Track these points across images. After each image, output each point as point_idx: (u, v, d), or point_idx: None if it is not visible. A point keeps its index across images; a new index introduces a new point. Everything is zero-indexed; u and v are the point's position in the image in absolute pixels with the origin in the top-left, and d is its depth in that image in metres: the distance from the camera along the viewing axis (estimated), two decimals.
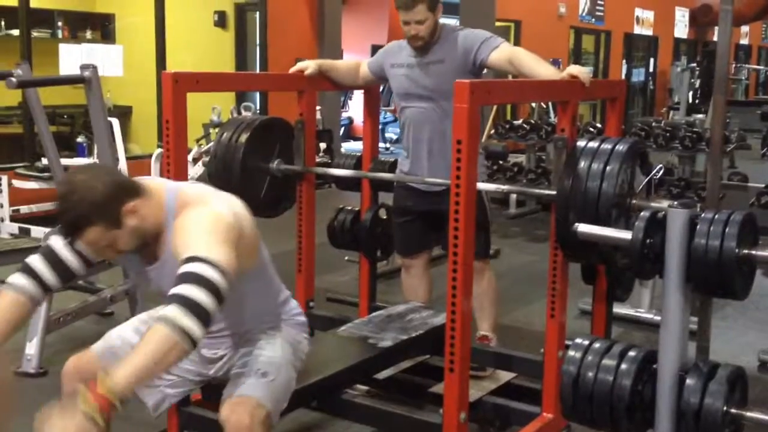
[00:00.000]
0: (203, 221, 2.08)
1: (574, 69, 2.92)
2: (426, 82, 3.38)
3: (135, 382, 1.94)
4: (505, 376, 3.28)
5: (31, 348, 3.68)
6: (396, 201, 3.65)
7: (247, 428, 2.19)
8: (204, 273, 1.94)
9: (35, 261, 2.34)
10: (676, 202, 2.01)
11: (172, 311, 1.90)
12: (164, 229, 2.18)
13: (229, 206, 2.16)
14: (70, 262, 2.34)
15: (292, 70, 3.42)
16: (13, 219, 6.62)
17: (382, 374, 3.20)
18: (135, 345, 2.22)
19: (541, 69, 3.15)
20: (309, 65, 3.40)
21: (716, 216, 2.00)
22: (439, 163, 3.34)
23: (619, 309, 4.33)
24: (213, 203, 2.15)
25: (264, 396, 2.27)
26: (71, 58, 6.96)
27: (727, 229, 1.96)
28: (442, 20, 3.43)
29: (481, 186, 3.02)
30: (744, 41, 20.96)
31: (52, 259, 2.34)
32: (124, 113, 8.66)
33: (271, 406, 2.28)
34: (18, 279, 2.30)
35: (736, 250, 1.95)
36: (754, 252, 2.00)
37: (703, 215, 2.01)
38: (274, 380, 2.32)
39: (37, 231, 6.01)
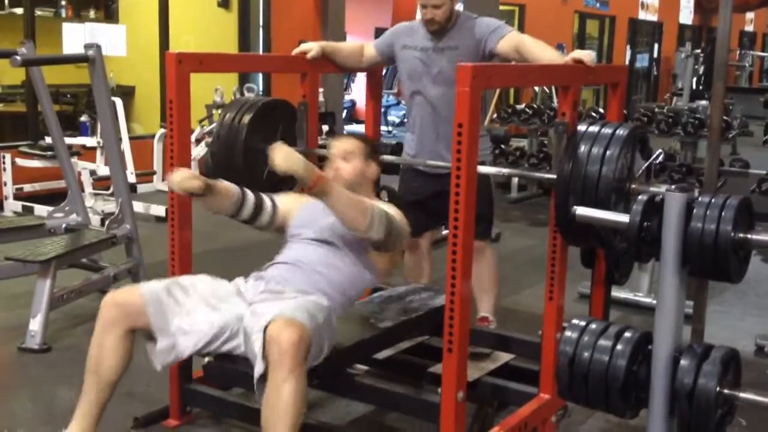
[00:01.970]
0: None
1: (578, 53, 2.94)
2: (439, 67, 3.40)
3: (338, 193, 2.49)
4: (504, 357, 3.31)
5: (35, 324, 3.72)
6: (402, 182, 3.70)
7: (295, 347, 2.26)
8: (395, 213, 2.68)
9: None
10: (673, 186, 2.03)
11: (382, 211, 2.59)
12: None
13: None
14: (270, 210, 2.85)
15: (295, 51, 3.43)
16: (16, 197, 6.67)
17: (382, 354, 3.23)
18: (180, 301, 2.57)
19: (545, 54, 3.17)
20: (312, 47, 3.41)
21: (713, 200, 2.03)
22: (447, 146, 3.36)
23: (617, 293, 4.36)
24: None
25: (312, 329, 2.37)
26: (75, 37, 6.96)
27: (723, 213, 1.98)
28: None
29: (482, 169, 3.04)
30: (749, 28, 20.87)
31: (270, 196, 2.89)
32: (127, 93, 8.66)
33: (315, 343, 2.38)
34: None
35: (732, 234, 1.98)
36: (749, 236, 2.02)
37: (699, 199, 2.04)
38: (319, 325, 2.45)
39: (41, 209, 6.06)
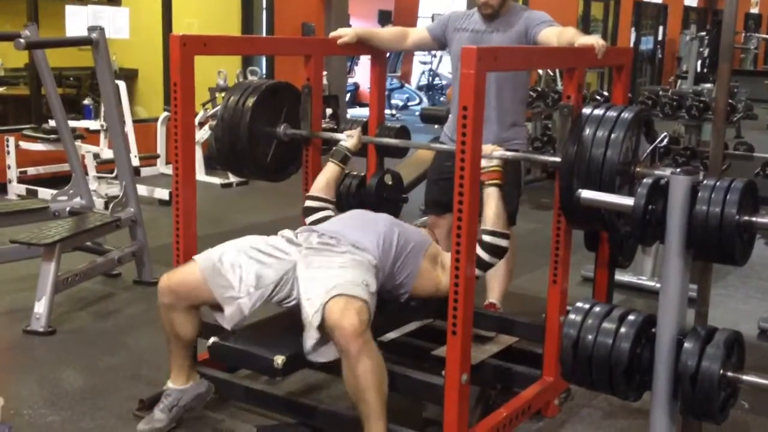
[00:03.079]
0: None
1: (586, 39, 2.95)
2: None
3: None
4: (508, 340, 3.32)
5: (40, 307, 3.73)
6: (435, 159, 3.76)
7: (359, 330, 2.41)
8: None
9: None
10: (678, 170, 2.03)
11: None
12: None
13: None
14: None
15: (332, 35, 3.48)
16: (20, 180, 6.67)
17: (386, 337, 3.25)
18: (236, 266, 2.64)
19: (576, 38, 3.19)
20: (347, 33, 3.46)
21: (718, 183, 2.02)
22: (485, 127, 3.37)
23: (621, 276, 4.36)
24: None
25: (370, 302, 2.51)
26: (78, 19, 6.93)
27: (728, 196, 1.98)
28: None
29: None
30: (754, 10, 20.75)
31: None
32: (129, 76, 8.63)
33: (371, 314, 2.50)
34: None
35: (737, 217, 1.98)
36: (754, 219, 2.02)
37: (704, 182, 2.04)
38: (373, 294, 2.57)
39: (44, 192, 6.07)
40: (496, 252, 2.79)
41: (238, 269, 2.64)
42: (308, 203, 3.17)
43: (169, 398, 2.82)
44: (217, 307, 2.66)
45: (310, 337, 2.49)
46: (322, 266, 2.63)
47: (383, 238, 2.81)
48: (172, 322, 2.72)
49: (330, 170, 3.23)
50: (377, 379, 2.45)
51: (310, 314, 2.48)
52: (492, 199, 2.80)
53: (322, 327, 2.46)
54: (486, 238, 2.75)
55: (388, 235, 2.84)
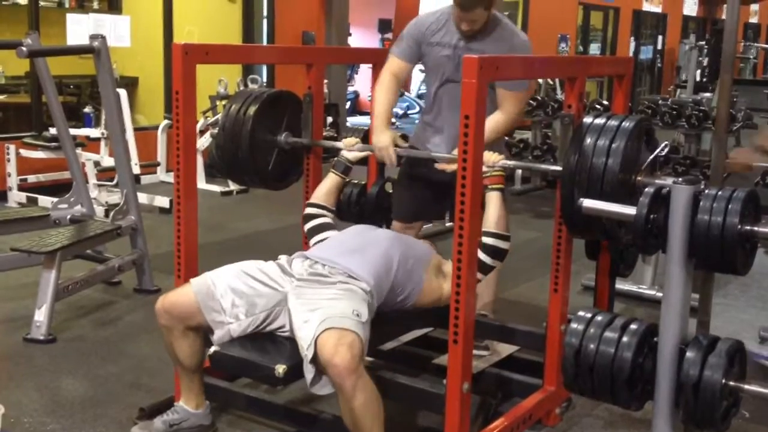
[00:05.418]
0: None
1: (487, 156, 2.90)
2: None
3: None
4: (508, 349, 3.32)
5: (40, 315, 3.73)
6: (408, 166, 3.60)
7: (352, 365, 2.37)
8: None
9: None
10: (680, 179, 2.04)
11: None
12: None
13: None
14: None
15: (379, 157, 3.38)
16: (20, 188, 6.67)
17: (387, 346, 3.25)
18: (229, 291, 2.63)
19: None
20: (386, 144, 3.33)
21: (719, 192, 2.03)
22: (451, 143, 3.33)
23: (621, 285, 4.36)
24: None
25: (361, 334, 2.46)
26: (78, 28, 6.94)
27: (729, 206, 1.99)
28: None
29: None
30: (753, 20, 20.81)
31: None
32: (130, 84, 8.65)
33: (365, 346, 2.47)
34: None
35: (739, 226, 1.98)
36: (756, 228, 2.03)
37: (706, 192, 2.04)
38: (365, 322, 2.52)
39: (45, 200, 6.07)
40: (498, 254, 2.80)
41: (230, 294, 2.64)
42: (307, 210, 3.18)
43: (176, 415, 2.82)
44: (212, 330, 2.66)
45: (308, 371, 2.45)
46: (313, 299, 2.59)
47: (380, 262, 2.77)
48: (171, 345, 2.73)
49: (331, 180, 3.23)
50: (373, 412, 2.44)
51: (304, 347, 2.45)
52: (494, 202, 2.83)
53: (316, 360, 2.43)
54: (487, 240, 2.76)
55: (386, 257, 2.80)
